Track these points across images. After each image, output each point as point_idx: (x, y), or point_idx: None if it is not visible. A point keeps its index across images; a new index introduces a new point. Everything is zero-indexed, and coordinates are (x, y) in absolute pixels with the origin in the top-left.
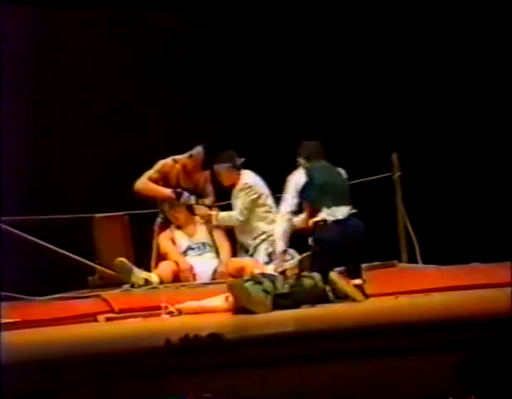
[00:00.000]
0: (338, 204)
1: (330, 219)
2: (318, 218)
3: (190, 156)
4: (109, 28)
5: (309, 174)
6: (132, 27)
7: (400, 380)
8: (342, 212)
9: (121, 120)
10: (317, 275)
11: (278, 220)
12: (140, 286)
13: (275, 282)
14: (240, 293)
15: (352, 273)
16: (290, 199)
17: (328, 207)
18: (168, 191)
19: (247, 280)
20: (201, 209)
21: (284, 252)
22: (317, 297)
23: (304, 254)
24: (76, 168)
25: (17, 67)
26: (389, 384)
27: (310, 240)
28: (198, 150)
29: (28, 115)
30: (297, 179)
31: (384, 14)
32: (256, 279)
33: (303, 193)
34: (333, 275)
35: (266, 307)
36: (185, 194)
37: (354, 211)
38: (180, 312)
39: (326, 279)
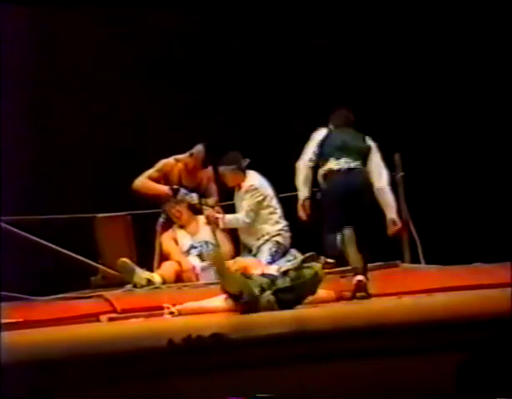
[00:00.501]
0: (348, 157)
1: (335, 168)
2: (326, 167)
3: (191, 155)
4: (109, 28)
5: (329, 132)
6: (132, 27)
7: (402, 380)
8: (348, 163)
9: (121, 120)
10: (316, 265)
11: (298, 169)
12: (142, 286)
13: (275, 280)
14: (217, 262)
15: (360, 243)
16: (310, 148)
17: (337, 158)
18: (165, 188)
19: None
20: (209, 212)
21: (308, 200)
22: (318, 286)
23: (307, 254)
24: (77, 168)
25: (17, 67)
26: (392, 384)
27: (318, 195)
28: (198, 148)
29: (28, 114)
30: (317, 135)
31: (385, 14)
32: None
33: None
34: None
35: (239, 284)
36: (182, 190)
37: (361, 167)
38: (181, 313)
39: (342, 239)
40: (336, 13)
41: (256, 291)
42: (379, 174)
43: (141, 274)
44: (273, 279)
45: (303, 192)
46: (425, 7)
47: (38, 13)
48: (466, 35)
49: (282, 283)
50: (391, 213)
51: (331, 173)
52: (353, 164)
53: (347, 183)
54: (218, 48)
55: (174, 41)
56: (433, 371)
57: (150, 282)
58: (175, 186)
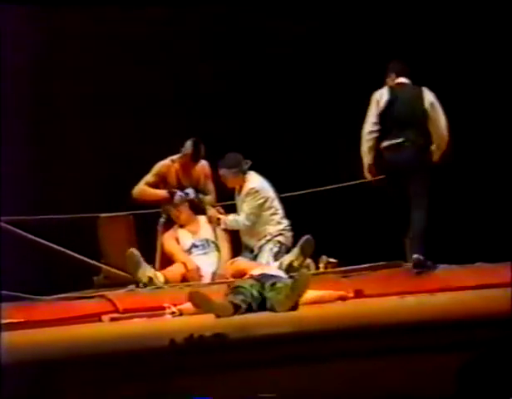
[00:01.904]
0: (407, 131)
1: (394, 142)
2: (386, 143)
3: (183, 153)
4: (109, 28)
5: (389, 97)
6: (133, 27)
7: (404, 380)
8: (403, 136)
9: (121, 119)
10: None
11: (363, 140)
12: (144, 284)
13: (265, 283)
14: (200, 301)
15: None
16: (372, 117)
17: (395, 135)
18: (163, 193)
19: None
20: (212, 212)
21: (371, 166)
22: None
23: (301, 241)
24: (78, 168)
25: (17, 67)
26: (393, 385)
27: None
28: (186, 144)
29: (28, 116)
30: (379, 98)
31: (385, 14)
32: (241, 285)
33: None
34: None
35: (227, 310)
36: (178, 192)
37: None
38: (182, 313)
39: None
40: (336, 15)
41: (250, 299)
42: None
43: (145, 271)
44: (263, 283)
45: (367, 159)
46: (423, 9)
47: (38, 13)
48: (467, 35)
49: (269, 289)
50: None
51: (389, 148)
52: (409, 134)
53: (402, 158)
54: (219, 46)
55: (173, 41)
56: (436, 371)
57: (151, 280)
58: (173, 190)
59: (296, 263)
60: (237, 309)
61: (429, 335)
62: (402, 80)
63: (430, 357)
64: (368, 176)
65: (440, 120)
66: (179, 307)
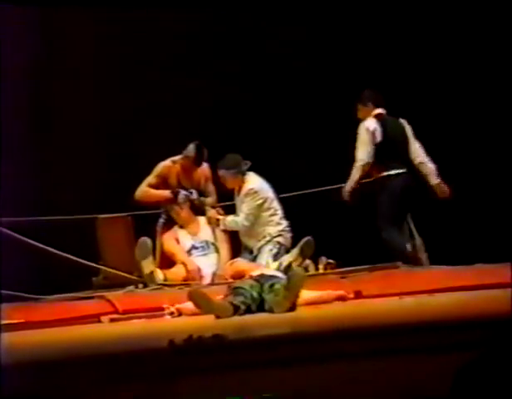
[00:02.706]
0: (398, 159)
1: (386, 174)
2: (380, 174)
3: (185, 155)
4: (109, 28)
5: (383, 126)
6: (133, 27)
7: (403, 381)
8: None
9: (121, 119)
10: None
11: (356, 168)
12: (142, 282)
13: (264, 284)
14: (200, 300)
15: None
16: (368, 147)
17: (389, 166)
18: (167, 193)
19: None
20: (211, 213)
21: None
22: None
23: (301, 242)
24: (77, 168)
25: (17, 67)
26: (392, 386)
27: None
28: (189, 147)
29: (29, 115)
30: (372, 129)
31: (386, 15)
32: (241, 286)
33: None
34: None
35: (227, 311)
36: (182, 192)
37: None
38: (181, 313)
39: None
40: (336, 17)
41: (249, 300)
42: (416, 149)
43: (149, 263)
44: (262, 283)
45: (354, 185)
46: (422, 9)
47: (38, 13)
48: (467, 36)
49: (267, 289)
50: (436, 178)
51: (384, 178)
52: (402, 169)
53: (402, 186)
54: (218, 47)
55: (172, 41)
56: (434, 372)
57: (151, 274)
58: (176, 189)
59: (295, 264)
60: (236, 310)
61: (428, 336)
62: (381, 110)
63: (429, 357)
64: (346, 198)
65: (419, 148)
66: (177, 306)
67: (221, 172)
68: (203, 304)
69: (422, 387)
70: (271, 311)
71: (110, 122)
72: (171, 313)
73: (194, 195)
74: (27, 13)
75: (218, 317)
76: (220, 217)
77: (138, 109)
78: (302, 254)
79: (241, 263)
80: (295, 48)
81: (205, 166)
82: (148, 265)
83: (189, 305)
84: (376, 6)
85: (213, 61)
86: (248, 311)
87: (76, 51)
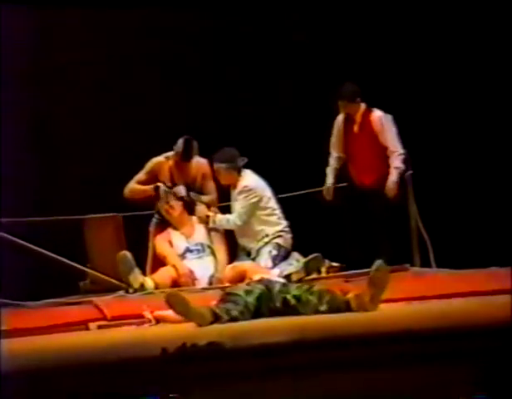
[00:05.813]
0: None
1: None
2: None
3: (175, 151)
4: (109, 28)
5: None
6: (132, 27)
7: (412, 388)
8: None
9: (122, 119)
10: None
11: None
12: (134, 290)
13: (272, 289)
14: (177, 304)
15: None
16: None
17: None
18: (149, 188)
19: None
20: (201, 209)
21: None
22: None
23: (311, 256)
24: (77, 169)
25: (17, 67)
26: (399, 393)
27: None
28: (178, 143)
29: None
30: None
31: (386, 15)
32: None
33: None
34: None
35: (205, 319)
36: (162, 187)
37: None
38: (158, 321)
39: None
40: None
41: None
42: None
43: (137, 276)
44: (271, 289)
45: (329, 178)
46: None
47: (38, 13)
48: (468, 36)
49: (276, 296)
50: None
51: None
52: None
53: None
54: (215, 43)
55: (172, 41)
56: (443, 379)
57: (142, 286)
58: (156, 184)
59: (295, 277)
60: (217, 319)
61: (437, 343)
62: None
63: (438, 365)
64: (327, 197)
65: None
66: (156, 313)
67: (215, 165)
68: (180, 309)
69: (430, 395)
70: (303, 313)
71: (110, 122)
72: (149, 321)
73: (183, 192)
74: (27, 13)
75: (199, 324)
76: (210, 213)
77: (138, 109)
78: (307, 269)
79: (245, 263)
80: (295, 48)
81: (203, 163)
82: (136, 279)
83: (169, 313)
84: (367, 4)
85: (212, 61)
86: (244, 317)
87: (76, 51)
